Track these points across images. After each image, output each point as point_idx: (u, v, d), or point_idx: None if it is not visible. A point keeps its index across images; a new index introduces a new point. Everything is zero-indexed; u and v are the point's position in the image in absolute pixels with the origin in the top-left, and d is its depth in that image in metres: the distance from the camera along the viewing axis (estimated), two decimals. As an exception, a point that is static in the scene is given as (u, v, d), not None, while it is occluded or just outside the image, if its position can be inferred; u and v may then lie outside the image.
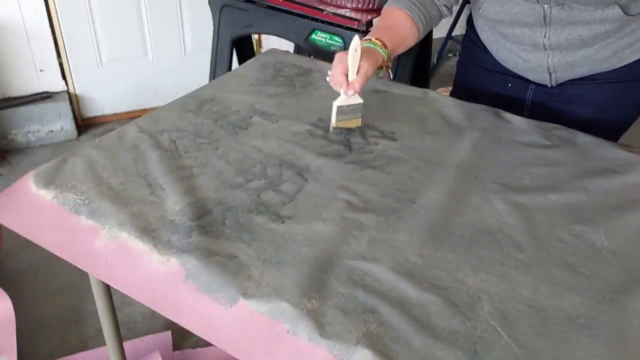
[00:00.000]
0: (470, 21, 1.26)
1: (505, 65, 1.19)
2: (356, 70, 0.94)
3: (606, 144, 1.00)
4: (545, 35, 1.04)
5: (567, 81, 1.14)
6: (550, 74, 1.12)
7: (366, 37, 1.02)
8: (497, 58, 1.20)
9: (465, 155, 0.96)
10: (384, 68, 1.02)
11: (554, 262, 0.74)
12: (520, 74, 1.18)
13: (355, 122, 1.02)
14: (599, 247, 0.77)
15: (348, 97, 0.97)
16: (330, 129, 1.00)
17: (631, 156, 0.97)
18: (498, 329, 0.64)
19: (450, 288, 0.70)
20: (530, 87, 1.18)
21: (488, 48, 1.21)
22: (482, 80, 1.26)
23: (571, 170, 0.93)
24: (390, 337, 0.63)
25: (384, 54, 1.00)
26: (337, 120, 0.99)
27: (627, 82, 1.10)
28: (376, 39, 1.00)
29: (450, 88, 1.40)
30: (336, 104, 0.97)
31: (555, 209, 0.84)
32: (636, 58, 1.07)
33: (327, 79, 0.98)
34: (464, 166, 0.94)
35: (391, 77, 1.11)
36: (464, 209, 0.84)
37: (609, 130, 1.13)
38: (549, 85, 1.15)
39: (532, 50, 1.09)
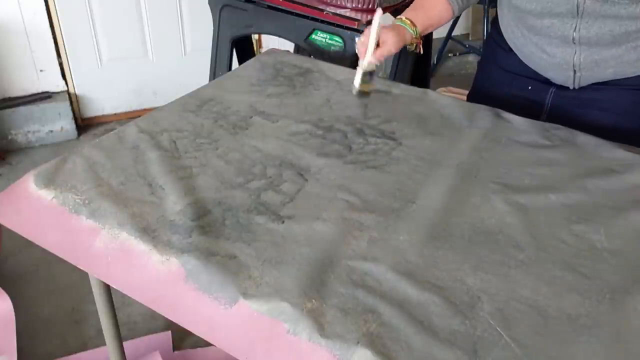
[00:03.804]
0: (494, 22, 1.26)
1: (528, 63, 1.17)
2: (375, 43, 1.02)
3: (606, 144, 1.00)
4: (575, 27, 1.03)
5: (588, 85, 1.11)
6: (575, 72, 1.09)
7: (399, 16, 1.11)
8: (520, 56, 1.18)
9: (465, 155, 0.96)
10: (415, 45, 1.13)
11: (554, 262, 0.74)
12: (543, 73, 1.16)
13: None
14: (599, 247, 0.77)
15: (369, 65, 1.05)
16: (354, 92, 1.07)
17: (631, 156, 0.97)
18: (498, 329, 0.64)
19: (450, 288, 0.70)
20: (551, 90, 1.16)
21: (512, 46, 1.19)
22: (502, 83, 1.24)
23: (571, 170, 0.93)
24: (390, 337, 0.63)
25: (412, 32, 1.09)
26: (360, 84, 1.06)
27: None
28: (406, 18, 1.10)
29: (451, 88, 1.41)
30: (361, 68, 1.05)
31: (555, 209, 0.84)
32: None
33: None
34: (464, 166, 0.94)
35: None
36: (464, 209, 0.84)
37: (631, 137, 1.10)
38: (572, 87, 1.13)
39: (560, 44, 1.07)
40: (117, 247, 0.77)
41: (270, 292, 0.68)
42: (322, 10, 1.58)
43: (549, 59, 1.11)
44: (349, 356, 0.61)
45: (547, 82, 1.16)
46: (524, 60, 1.18)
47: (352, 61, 1.52)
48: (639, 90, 1.08)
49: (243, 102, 1.11)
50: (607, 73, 1.08)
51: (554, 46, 1.08)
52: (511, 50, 1.20)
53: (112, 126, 2.53)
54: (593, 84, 1.11)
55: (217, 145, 0.97)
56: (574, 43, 1.05)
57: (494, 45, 1.26)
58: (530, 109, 1.15)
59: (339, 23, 1.56)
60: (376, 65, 1.05)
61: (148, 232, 0.77)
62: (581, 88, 1.13)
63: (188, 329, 0.70)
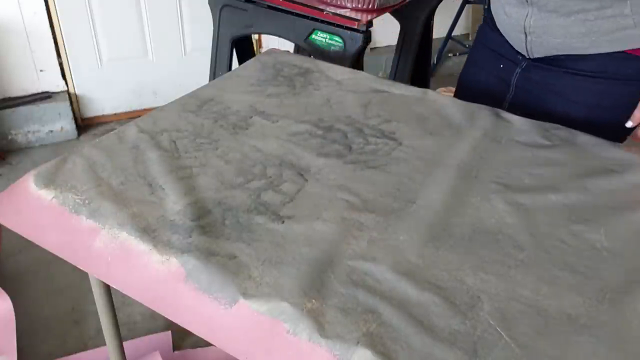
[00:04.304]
0: (488, 5, 1.31)
1: (499, 27, 1.23)
2: None
3: (606, 144, 1.00)
4: None
5: (545, 66, 1.15)
6: (526, 35, 1.13)
7: None
8: (496, 23, 1.24)
9: (465, 155, 0.97)
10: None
11: (554, 262, 0.74)
12: (507, 37, 1.21)
13: None
14: (599, 247, 0.77)
15: None
16: None
17: (631, 156, 0.97)
18: (498, 329, 0.64)
19: (450, 288, 0.70)
20: (516, 71, 1.21)
21: (494, 16, 1.24)
22: (484, 60, 1.30)
23: (571, 170, 0.93)
24: (390, 337, 0.63)
25: None
26: None
27: (611, 80, 1.10)
28: None
29: (451, 88, 1.43)
30: None
31: (555, 209, 0.84)
32: (610, 50, 1.07)
33: None
34: (464, 166, 0.94)
35: None
36: (464, 209, 0.84)
37: (583, 127, 1.14)
38: (527, 55, 1.17)
39: (516, 4, 1.12)
40: (117, 247, 0.77)
41: (270, 292, 0.68)
42: (322, 10, 1.59)
43: (507, 19, 1.17)
44: (349, 356, 0.61)
45: (515, 62, 1.21)
46: (498, 27, 1.23)
47: (352, 61, 1.53)
48: (596, 79, 1.11)
49: (243, 102, 1.11)
50: (556, 42, 1.10)
51: (512, 6, 1.14)
52: (495, 27, 1.25)
53: (112, 126, 2.54)
54: (548, 64, 1.15)
55: (217, 145, 0.97)
56: (527, 3, 1.10)
57: (484, 25, 1.32)
58: (500, 89, 1.20)
59: (339, 23, 1.56)
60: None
61: (148, 232, 0.77)
62: (539, 69, 1.16)
63: (188, 329, 0.71)
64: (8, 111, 2.29)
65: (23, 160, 2.31)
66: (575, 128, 1.05)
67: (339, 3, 1.62)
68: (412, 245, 0.76)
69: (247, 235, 0.77)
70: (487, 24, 1.29)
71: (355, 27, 1.53)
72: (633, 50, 1.06)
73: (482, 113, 1.10)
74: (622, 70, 1.08)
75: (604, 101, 1.12)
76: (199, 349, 1.49)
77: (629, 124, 1.10)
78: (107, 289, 1.03)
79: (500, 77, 1.25)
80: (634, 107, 1.08)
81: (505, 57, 1.23)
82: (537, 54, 1.15)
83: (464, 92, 1.37)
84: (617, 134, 1.13)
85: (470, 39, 3.47)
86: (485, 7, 1.33)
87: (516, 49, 1.19)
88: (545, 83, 1.17)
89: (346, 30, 1.55)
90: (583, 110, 1.14)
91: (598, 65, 1.09)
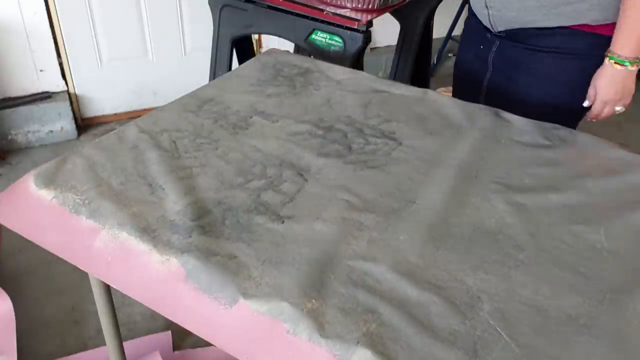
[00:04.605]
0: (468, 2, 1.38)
1: (471, 5, 1.30)
2: None
3: (606, 144, 1.00)
4: None
5: (512, 42, 1.21)
6: (487, 9, 1.20)
7: None
8: (470, 3, 1.31)
9: (465, 155, 0.96)
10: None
11: (554, 262, 0.74)
12: (476, 13, 1.28)
13: None
14: (599, 247, 0.77)
15: None
16: None
17: (631, 156, 0.97)
18: (498, 329, 0.64)
19: (450, 288, 0.70)
20: (492, 50, 1.27)
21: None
22: (470, 46, 1.38)
23: (571, 170, 0.93)
24: (390, 337, 0.63)
25: None
26: None
27: (565, 55, 1.15)
28: None
29: (450, 88, 1.44)
30: None
31: (555, 209, 0.84)
32: (559, 24, 1.12)
33: None
34: (464, 166, 0.94)
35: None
36: (464, 209, 0.84)
37: (559, 108, 1.19)
38: (492, 30, 1.24)
39: None
40: (117, 247, 0.77)
41: (270, 292, 0.68)
42: (322, 10, 1.58)
43: None
44: (349, 356, 0.61)
45: (490, 42, 1.28)
46: (471, 5, 1.31)
47: (352, 61, 1.53)
48: (545, 52, 1.17)
49: (243, 102, 1.11)
50: (512, 16, 1.17)
51: None
52: (476, 17, 1.32)
53: (112, 126, 2.53)
54: (513, 40, 1.21)
55: (217, 145, 0.97)
56: None
57: (468, 19, 1.40)
58: (482, 69, 1.28)
59: (339, 23, 1.56)
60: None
61: (148, 232, 0.77)
62: (508, 47, 1.23)
63: (188, 329, 0.71)
64: (8, 111, 2.29)
65: (23, 160, 2.31)
66: (541, 104, 1.13)
67: (339, 3, 1.62)
68: (412, 245, 0.76)
69: (247, 235, 0.77)
70: (470, 19, 1.36)
71: (355, 27, 1.53)
72: (580, 25, 1.11)
73: (482, 113, 1.10)
74: (572, 45, 1.14)
75: (561, 76, 1.18)
76: (199, 349, 1.49)
77: (586, 103, 1.16)
78: (107, 289, 1.03)
79: (481, 58, 1.32)
80: (589, 84, 1.14)
81: (483, 38, 1.30)
82: (500, 27, 1.21)
83: (457, 80, 1.46)
84: (581, 112, 1.20)
85: (470, 39, 3.47)
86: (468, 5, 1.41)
87: (484, 24, 1.26)
88: (514, 61, 1.23)
89: (346, 30, 1.55)
90: (546, 85, 1.20)
91: (553, 41, 1.15)
